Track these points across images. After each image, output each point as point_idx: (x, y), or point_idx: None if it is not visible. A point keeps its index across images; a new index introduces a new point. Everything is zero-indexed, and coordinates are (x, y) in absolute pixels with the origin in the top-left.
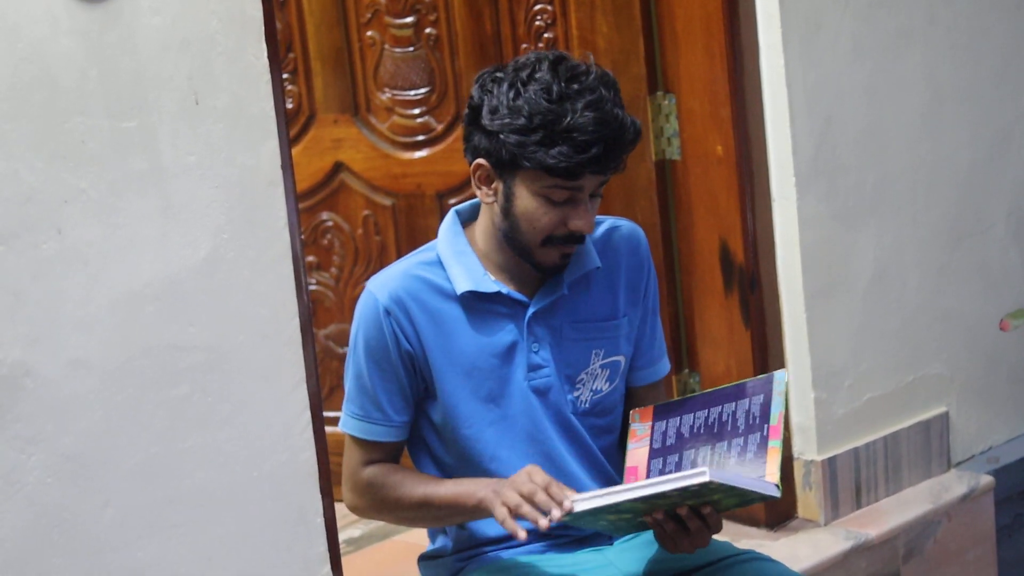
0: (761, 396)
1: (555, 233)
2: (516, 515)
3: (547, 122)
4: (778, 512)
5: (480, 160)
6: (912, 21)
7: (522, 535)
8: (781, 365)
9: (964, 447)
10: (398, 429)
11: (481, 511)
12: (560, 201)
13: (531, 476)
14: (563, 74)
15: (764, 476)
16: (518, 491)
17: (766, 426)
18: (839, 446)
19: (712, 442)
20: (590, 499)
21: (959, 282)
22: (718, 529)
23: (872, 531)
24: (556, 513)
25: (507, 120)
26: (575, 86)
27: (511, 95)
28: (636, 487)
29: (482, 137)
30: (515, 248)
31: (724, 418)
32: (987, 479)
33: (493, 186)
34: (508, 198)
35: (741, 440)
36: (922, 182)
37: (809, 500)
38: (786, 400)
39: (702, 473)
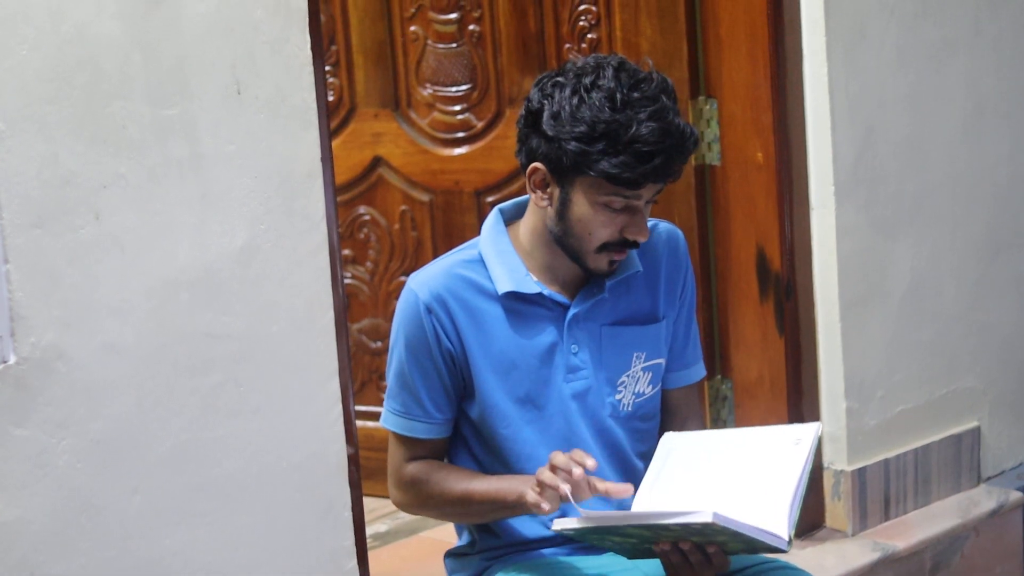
0: (797, 445)
1: (610, 240)
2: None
3: (610, 131)
4: (806, 521)
5: (537, 164)
6: (957, 32)
7: (545, 507)
8: (814, 373)
9: (995, 462)
10: (439, 426)
11: (521, 507)
12: (618, 209)
13: (556, 456)
14: (625, 82)
15: (776, 526)
16: (548, 469)
17: (798, 481)
18: (869, 457)
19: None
20: (595, 518)
21: (995, 295)
22: (724, 569)
23: (899, 543)
24: (577, 471)
25: (569, 127)
26: (636, 94)
27: (574, 101)
28: (640, 515)
29: (541, 142)
30: (566, 250)
31: (755, 451)
32: (1017, 495)
33: (549, 191)
34: (564, 204)
35: (768, 475)
36: (961, 194)
37: (837, 510)
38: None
39: (706, 513)
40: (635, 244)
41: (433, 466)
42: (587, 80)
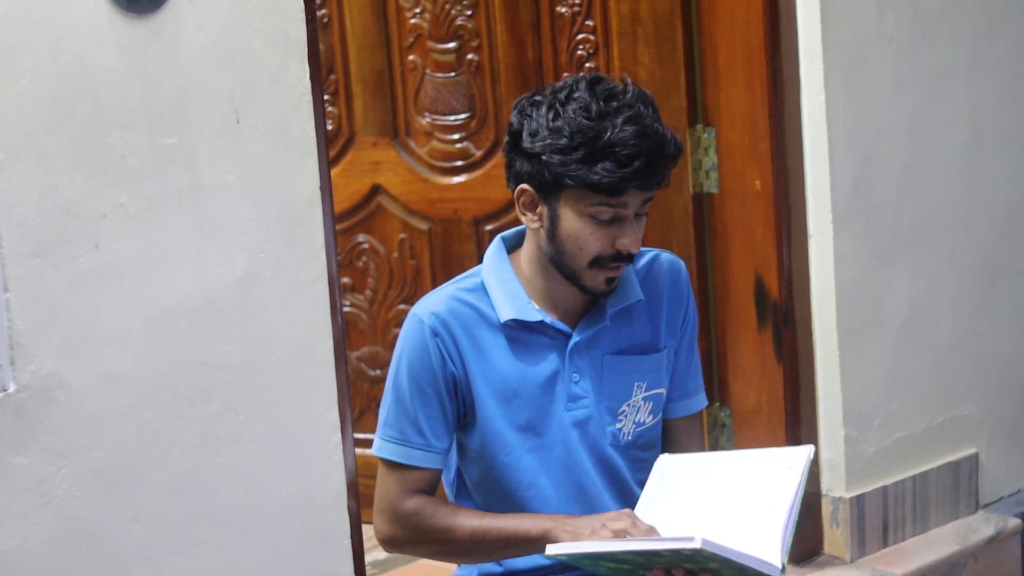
0: (790, 470)
1: (602, 254)
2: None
3: (588, 139)
4: (804, 548)
5: (523, 185)
6: (955, 60)
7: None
8: (812, 401)
9: (993, 489)
10: (437, 455)
11: (546, 541)
12: (606, 220)
13: (621, 517)
14: (601, 93)
15: (769, 552)
16: (613, 529)
17: (791, 507)
18: (868, 484)
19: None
20: (588, 545)
21: (993, 323)
22: None
23: (898, 570)
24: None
25: (548, 141)
26: (614, 103)
27: (550, 116)
28: (631, 542)
29: (524, 161)
30: (562, 271)
31: (748, 474)
32: (1015, 522)
33: (538, 211)
34: (553, 221)
35: (761, 500)
36: (959, 222)
37: (836, 537)
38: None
39: (695, 540)
40: (628, 258)
41: (437, 501)
42: (562, 95)
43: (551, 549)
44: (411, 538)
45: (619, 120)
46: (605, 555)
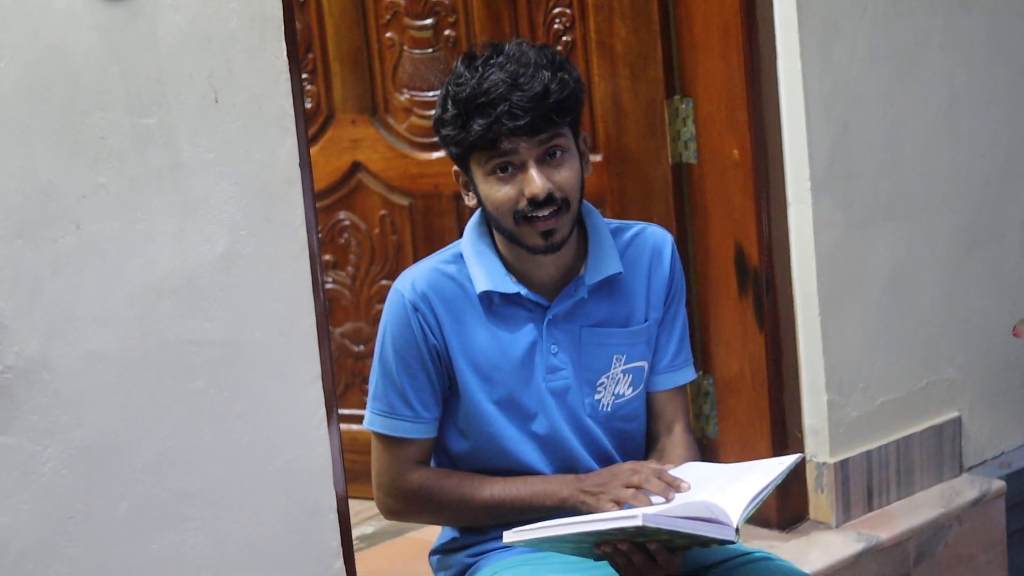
0: (771, 468)
1: (519, 207)
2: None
3: (457, 99)
4: (789, 513)
5: (455, 168)
6: (930, 28)
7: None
8: (795, 368)
9: (976, 452)
10: (427, 425)
11: (564, 511)
12: (509, 174)
13: (636, 468)
14: (486, 53)
15: (728, 516)
16: (627, 483)
17: (765, 486)
18: (852, 449)
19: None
20: (530, 530)
21: (973, 288)
22: (671, 570)
23: (883, 534)
24: (674, 495)
25: (438, 118)
26: (499, 59)
27: (439, 96)
28: (573, 522)
29: (443, 148)
30: (507, 238)
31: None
32: (999, 484)
33: (470, 188)
34: (476, 192)
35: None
36: (938, 188)
37: (821, 502)
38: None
39: (636, 517)
40: (551, 202)
41: (440, 472)
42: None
43: (508, 536)
44: (419, 510)
45: (488, 72)
46: (562, 536)
